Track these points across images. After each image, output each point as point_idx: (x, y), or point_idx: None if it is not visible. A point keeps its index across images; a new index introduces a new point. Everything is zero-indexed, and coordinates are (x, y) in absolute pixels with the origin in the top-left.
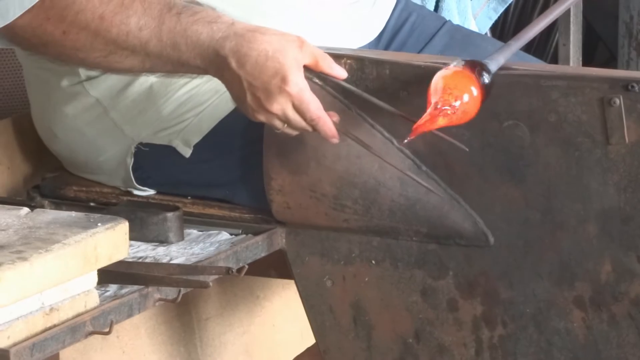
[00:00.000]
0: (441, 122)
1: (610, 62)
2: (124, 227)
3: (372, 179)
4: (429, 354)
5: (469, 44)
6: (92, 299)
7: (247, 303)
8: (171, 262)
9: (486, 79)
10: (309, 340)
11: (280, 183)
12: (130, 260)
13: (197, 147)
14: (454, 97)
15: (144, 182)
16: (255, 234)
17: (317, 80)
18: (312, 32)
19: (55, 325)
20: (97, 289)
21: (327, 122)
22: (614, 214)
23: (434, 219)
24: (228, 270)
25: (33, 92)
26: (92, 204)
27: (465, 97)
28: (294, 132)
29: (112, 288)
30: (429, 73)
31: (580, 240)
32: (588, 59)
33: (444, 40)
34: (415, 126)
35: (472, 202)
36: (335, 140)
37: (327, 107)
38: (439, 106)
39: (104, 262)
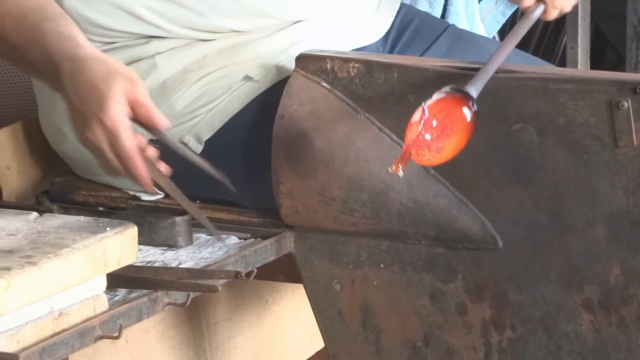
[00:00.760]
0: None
1: (619, 65)
2: (132, 231)
3: (380, 183)
4: (438, 358)
5: (474, 44)
6: (101, 304)
7: (256, 307)
8: (180, 266)
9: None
10: (318, 344)
11: (289, 187)
12: (139, 264)
13: (208, 144)
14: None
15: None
16: (264, 238)
17: (325, 84)
18: (316, 32)
19: (64, 330)
20: (106, 294)
21: (139, 166)
22: (622, 217)
23: (443, 223)
24: (237, 274)
25: (42, 93)
26: (100, 208)
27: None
28: (115, 169)
29: (121, 292)
30: (437, 76)
31: (588, 243)
32: (596, 62)
33: (450, 41)
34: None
35: (481, 206)
36: (150, 190)
37: (335, 111)
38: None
39: (113, 267)
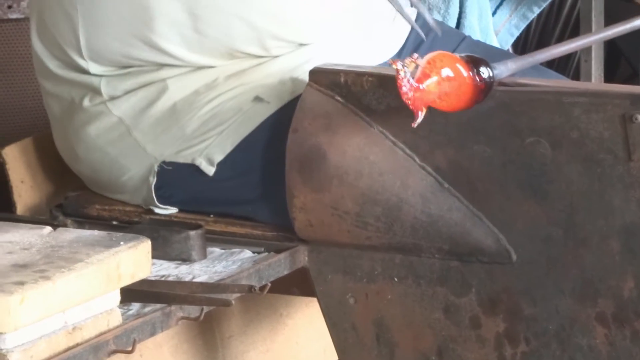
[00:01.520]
0: (430, 91)
1: (633, 77)
2: (146, 245)
3: (394, 196)
4: None
5: (490, 58)
6: (115, 318)
7: (270, 321)
8: (194, 280)
9: (484, 73)
10: (332, 358)
11: (303, 201)
12: (152, 278)
13: (220, 165)
14: (436, 68)
15: (166, 200)
16: (278, 251)
17: (338, 98)
18: (332, 50)
19: (78, 344)
20: (119, 308)
21: None
22: (636, 230)
23: (457, 236)
24: (251, 288)
25: (54, 113)
26: (114, 222)
27: (446, 72)
28: None
29: (135, 307)
30: None
31: (602, 256)
32: (610, 75)
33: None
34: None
35: (495, 219)
36: None
37: (348, 125)
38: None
39: (127, 281)
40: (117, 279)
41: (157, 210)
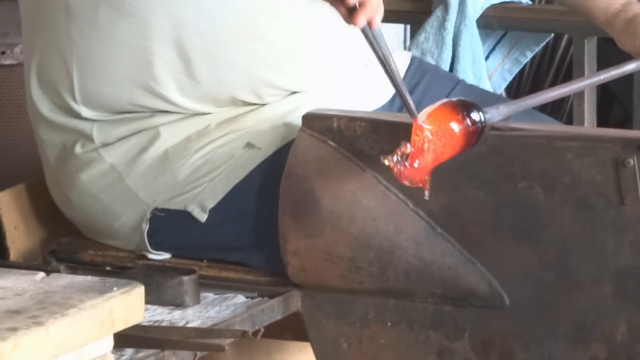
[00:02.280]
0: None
1: (626, 121)
2: (139, 291)
3: (387, 241)
4: None
5: (483, 103)
6: None
7: None
8: (187, 325)
9: (476, 117)
10: None
11: (296, 246)
12: (146, 324)
13: (212, 212)
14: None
15: (159, 246)
16: (271, 296)
17: (331, 143)
18: (326, 94)
19: None
20: (113, 353)
21: None
22: (629, 274)
23: (450, 281)
24: (244, 333)
25: (47, 159)
26: (108, 268)
27: (438, 134)
28: None
29: (128, 352)
30: None
31: (595, 300)
32: (604, 119)
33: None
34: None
35: (487, 263)
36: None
37: (341, 170)
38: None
39: (120, 326)
40: (110, 325)
41: (150, 256)
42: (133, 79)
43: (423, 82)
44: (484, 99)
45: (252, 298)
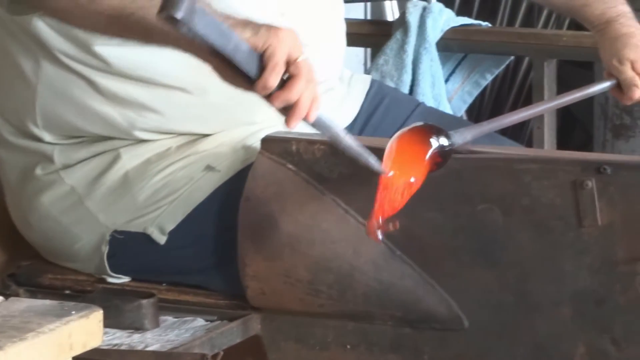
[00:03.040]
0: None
1: (587, 144)
2: (98, 314)
3: (346, 264)
4: None
5: (444, 125)
6: None
7: None
8: (146, 349)
9: (442, 141)
10: None
11: (255, 269)
12: (105, 347)
13: (172, 234)
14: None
15: (118, 269)
16: (231, 319)
17: (290, 166)
18: (278, 122)
19: None
20: None
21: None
22: (587, 296)
23: (409, 303)
24: (203, 356)
25: (7, 181)
26: (67, 291)
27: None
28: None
29: None
30: None
31: (554, 322)
32: (565, 142)
33: (418, 121)
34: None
35: (447, 286)
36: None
37: (301, 193)
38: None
39: (79, 350)
40: (68, 349)
41: (109, 280)
42: (97, 111)
43: (382, 105)
44: (444, 122)
45: (212, 321)
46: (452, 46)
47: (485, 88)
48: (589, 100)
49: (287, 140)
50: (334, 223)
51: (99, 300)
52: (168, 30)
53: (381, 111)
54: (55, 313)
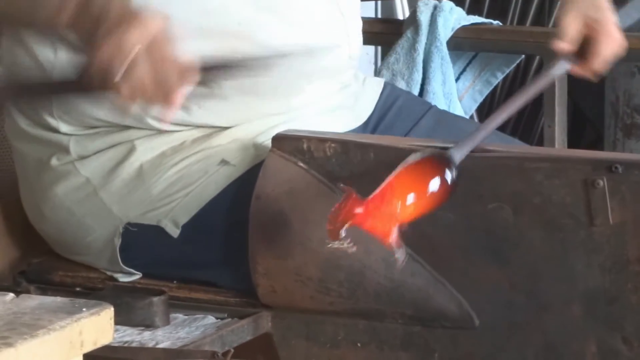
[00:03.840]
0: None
1: (598, 142)
2: (109, 312)
3: (357, 262)
4: None
5: (455, 127)
6: None
7: None
8: (157, 346)
9: (448, 175)
10: None
11: (266, 267)
12: (116, 344)
13: (185, 228)
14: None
15: (130, 262)
16: (241, 317)
17: (301, 164)
18: (300, 116)
19: None
20: None
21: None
22: (599, 295)
23: (420, 301)
24: (214, 354)
25: (23, 172)
26: (78, 289)
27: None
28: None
29: None
30: None
31: (565, 321)
32: (575, 141)
33: (430, 123)
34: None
35: (457, 284)
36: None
37: (311, 191)
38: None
39: (89, 347)
40: (79, 346)
41: (120, 278)
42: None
43: (395, 105)
44: (456, 124)
45: (222, 319)
46: (462, 45)
47: (496, 87)
48: (600, 99)
49: (298, 138)
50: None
51: (109, 298)
52: None
53: (394, 111)
54: (66, 310)
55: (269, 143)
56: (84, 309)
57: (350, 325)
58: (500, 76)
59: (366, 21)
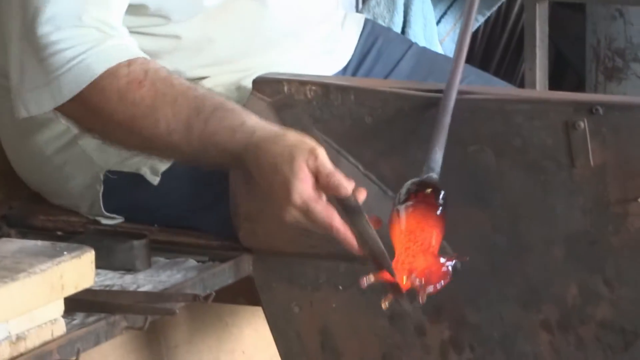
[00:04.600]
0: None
1: (579, 86)
2: (90, 255)
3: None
4: None
5: (435, 68)
6: (59, 328)
7: (216, 330)
8: (138, 290)
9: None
10: None
11: (247, 210)
12: (97, 288)
13: (165, 175)
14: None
15: (111, 209)
16: (223, 260)
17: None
18: (279, 60)
19: (21, 354)
20: (64, 318)
21: (340, 230)
22: (580, 237)
23: None
24: (195, 297)
25: (4, 119)
26: (58, 233)
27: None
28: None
29: (79, 316)
30: (394, 99)
31: (546, 263)
32: (557, 84)
33: (411, 64)
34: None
35: None
36: (356, 251)
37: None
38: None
39: (71, 291)
40: (60, 289)
41: (102, 221)
42: None
43: (375, 47)
44: (437, 63)
45: (204, 262)
46: None
47: (477, 30)
48: (581, 43)
49: (279, 81)
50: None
51: (90, 241)
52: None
53: (374, 53)
54: (47, 254)
55: (247, 91)
56: (65, 253)
57: (332, 268)
58: (481, 19)
59: None
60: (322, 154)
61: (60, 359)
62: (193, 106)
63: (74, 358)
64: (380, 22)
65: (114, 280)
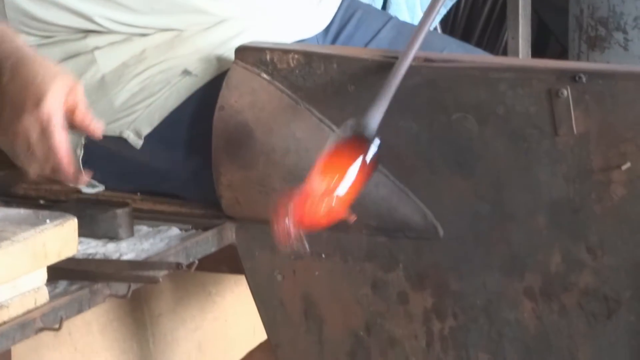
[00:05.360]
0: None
1: (562, 56)
2: (72, 223)
3: None
4: (379, 347)
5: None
6: (42, 296)
7: (199, 299)
8: (121, 258)
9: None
10: (262, 335)
11: (230, 178)
12: (79, 257)
13: (148, 139)
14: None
15: (93, 175)
16: (205, 229)
17: (265, 76)
18: (255, 25)
19: (5, 323)
20: (46, 286)
21: (65, 160)
22: (563, 205)
23: (384, 212)
24: (178, 265)
25: None
26: (41, 201)
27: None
28: (35, 166)
29: (62, 285)
30: (376, 67)
31: (530, 231)
32: (540, 54)
33: (391, 34)
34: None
35: (421, 195)
36: (74, 181)
37: (275, 102)
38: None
39: (54, 259)
40: (43, 257)
41: (84, 190)
42: (58, 2)
43: (355, 17)
44: None
45: (187, 230)
46: None
47: (459, 0)
48: (564, 13)
49: (262, 49)
50: (308, 132)
51: (73, 210)
52: None
53: (354, 23)
54: (30, 222)
55: (231, 54)
56: (47, 221)
57: (314, 236)
58: None
59: None
60: (81, 93)
61: (44, 327)
62: None
63: (57, 326)
64: None
65: (97, 248)
